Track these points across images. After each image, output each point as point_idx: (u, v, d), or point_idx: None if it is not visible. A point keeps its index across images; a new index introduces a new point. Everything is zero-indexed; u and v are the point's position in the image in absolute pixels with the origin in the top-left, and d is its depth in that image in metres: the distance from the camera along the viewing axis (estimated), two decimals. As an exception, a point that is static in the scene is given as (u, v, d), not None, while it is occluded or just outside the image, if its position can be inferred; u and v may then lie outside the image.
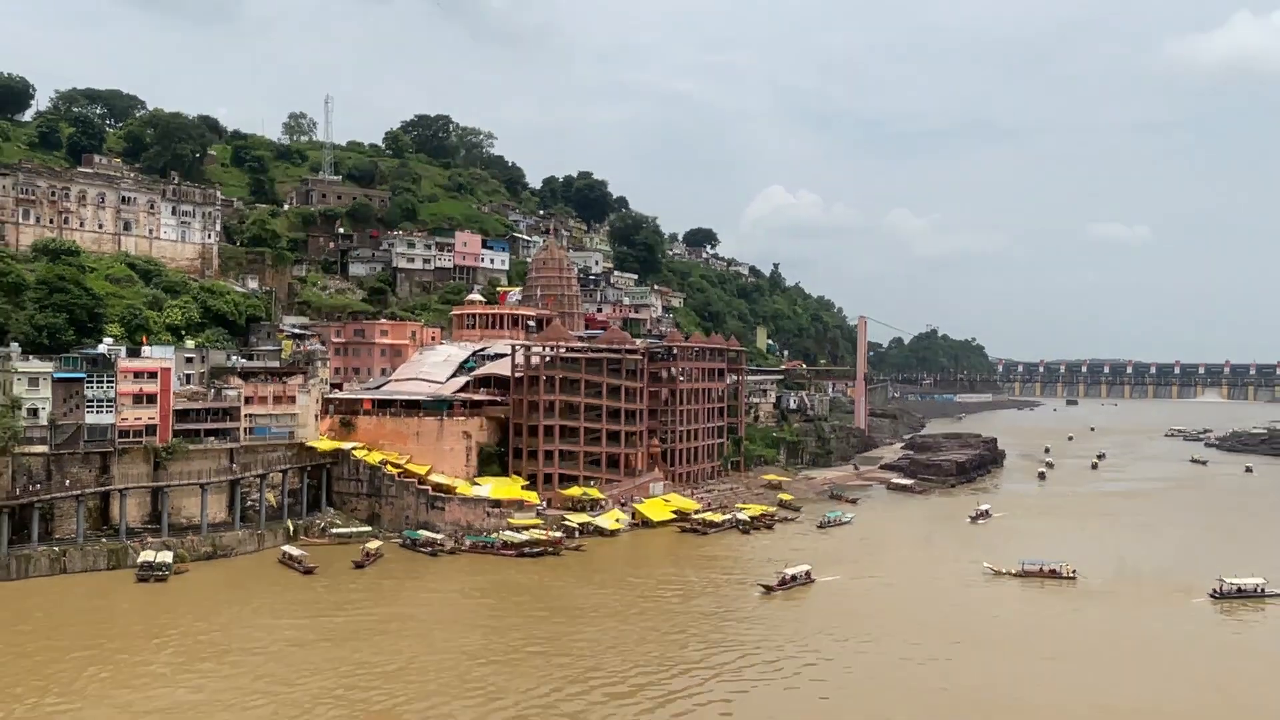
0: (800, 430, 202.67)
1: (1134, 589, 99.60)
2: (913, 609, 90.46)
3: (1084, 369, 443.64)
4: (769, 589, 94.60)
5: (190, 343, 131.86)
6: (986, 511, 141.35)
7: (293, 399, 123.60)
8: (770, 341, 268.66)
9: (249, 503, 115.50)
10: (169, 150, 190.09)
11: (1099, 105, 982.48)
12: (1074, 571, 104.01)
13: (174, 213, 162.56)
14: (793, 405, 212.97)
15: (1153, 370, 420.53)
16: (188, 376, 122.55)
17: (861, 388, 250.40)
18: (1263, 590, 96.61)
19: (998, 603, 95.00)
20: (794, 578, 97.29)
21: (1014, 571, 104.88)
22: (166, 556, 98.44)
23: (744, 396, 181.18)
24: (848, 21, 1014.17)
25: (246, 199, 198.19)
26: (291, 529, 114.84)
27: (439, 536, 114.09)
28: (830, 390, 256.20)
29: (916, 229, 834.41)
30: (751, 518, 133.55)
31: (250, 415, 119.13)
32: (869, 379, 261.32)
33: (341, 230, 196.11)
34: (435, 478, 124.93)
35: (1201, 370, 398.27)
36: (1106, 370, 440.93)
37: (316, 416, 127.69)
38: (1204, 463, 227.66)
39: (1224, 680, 71.90)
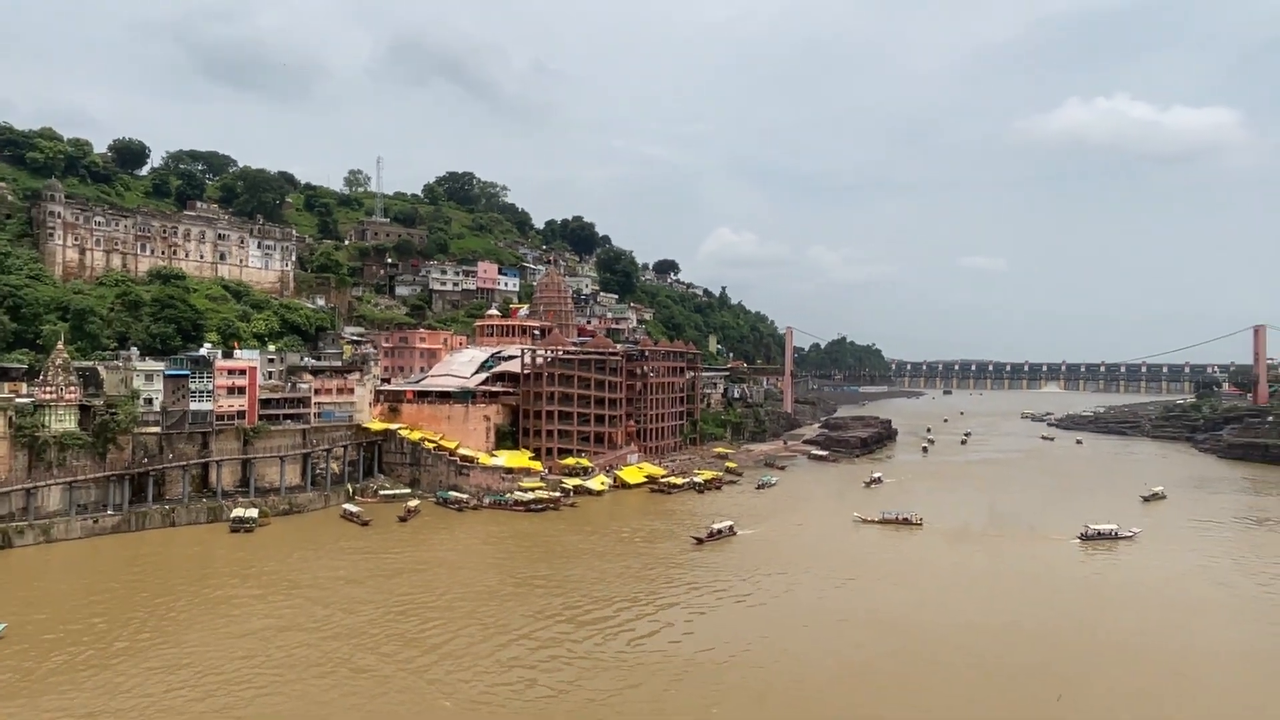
0: (742, 414, 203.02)
1: (998, 534, 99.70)
2: (815, 550, 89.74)
3: (957, 366, 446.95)
4: (700, 540, 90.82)
5: (272, 347, 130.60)
6: (879, 478, 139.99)
7: (352, 390, 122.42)
8: (719, 346, 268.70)
9: (317, 471, 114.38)
10: (255, 198, 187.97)
11: (970, 167, 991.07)
12: (920, 519, 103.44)
13: (259, 246, 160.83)
14: (736, 395, 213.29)
15: (1008, 368, 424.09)
16: (270, 373, 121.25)
17: (789, 381, 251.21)
18: (1116, 534, 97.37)
19: (879, 545, 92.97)
20: (719, 531, 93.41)
21: (875, 519, 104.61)
22: (253, 512, 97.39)
23: (699, 388, 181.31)
24: (783, 100, 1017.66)
25: (315, 236, 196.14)
26: (351, 491, 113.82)
27: (465, 496, 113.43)
28: (765, 383, 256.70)
29: (832, 261, 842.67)
30: (705, 481, 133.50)
31: (318, 403, 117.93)
32: (795, 375, 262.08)
33: (390, 260, 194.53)
34: (463, 451, 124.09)
35: (1045, 368, 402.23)
36: (974, 367, 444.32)
37: (370, 404, 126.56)
38: (1051, 439, 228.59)
39: (1072, 605, 70.85)
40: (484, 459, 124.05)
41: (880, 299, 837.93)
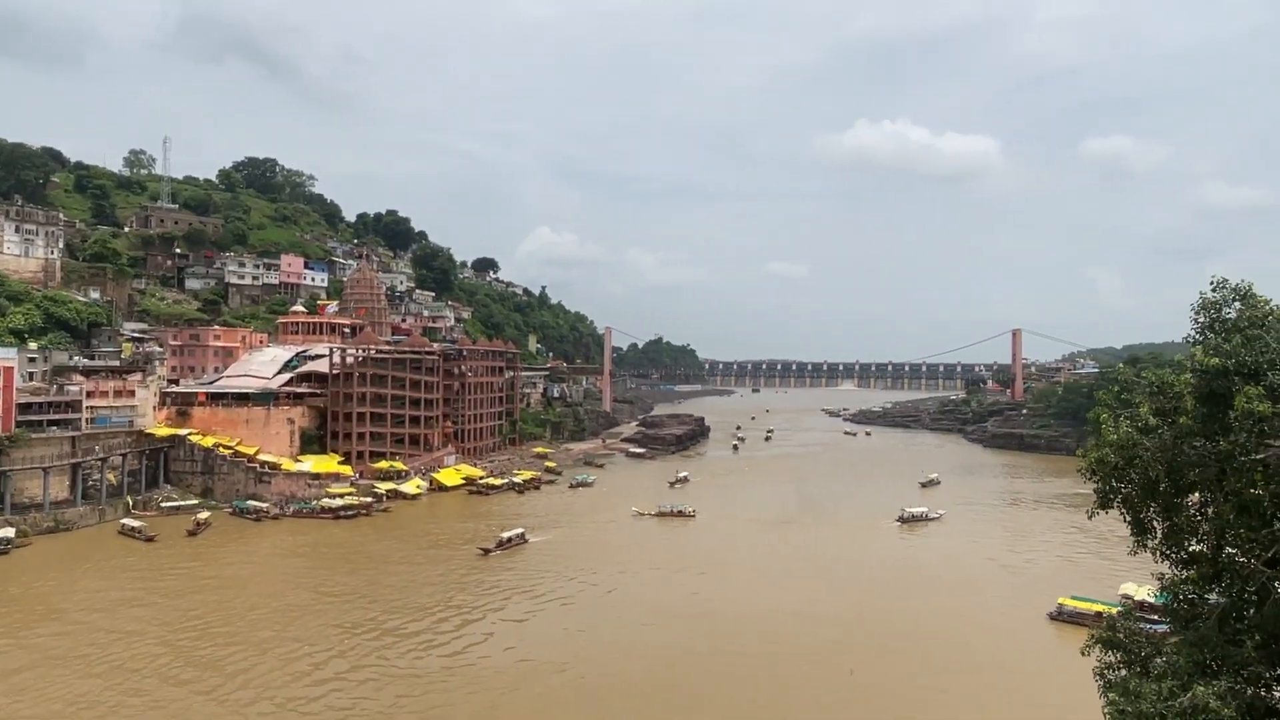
0: (562, 413, 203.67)
1: (813, 521, 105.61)
2: (612, 547, 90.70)
3: (764, 365, 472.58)
4: (486, 551, 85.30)
5: (33, 345, 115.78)
6: (685, 477, 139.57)
7: (133, 393, 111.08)
8: (539, 346, 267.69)
9: (90, 483, 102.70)
10: (13, 175, 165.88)
11: (775, 178, 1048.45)
12: (694, 511, 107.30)
13: (17, 231, 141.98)
14: (556, 394, 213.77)
15: (809, 367, 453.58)
16: (31, 374, 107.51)
17: (607, 381, 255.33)
18: (927, 515, 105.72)
19: (686, 539, 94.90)
20: (510, 539, 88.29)
21: (653, 512, 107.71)
22: (8, 532, 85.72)
23: (519, 388, 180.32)
24: (600, 104, 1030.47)
25: (89, 221, 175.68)
26: (130, 504, 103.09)
27: (265, 505, 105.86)
28: (585, 383, 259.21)
29: (649, 263, 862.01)
30: (524, 481, 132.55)
31: (92, 407, 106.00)
32: (613, 374, 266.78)
33: (179, 251, 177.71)
34: (264, 457, 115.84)
35: (841, 367, 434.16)
36: (779, 367, 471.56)
37: (155, 407, 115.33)
38: (854, 434, 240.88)
39: (872, 586, 75.52)
40: (287, 465, 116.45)
41: (694, 301, 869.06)
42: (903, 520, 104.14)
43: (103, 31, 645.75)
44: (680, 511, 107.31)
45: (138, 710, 48.03)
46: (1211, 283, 20.06)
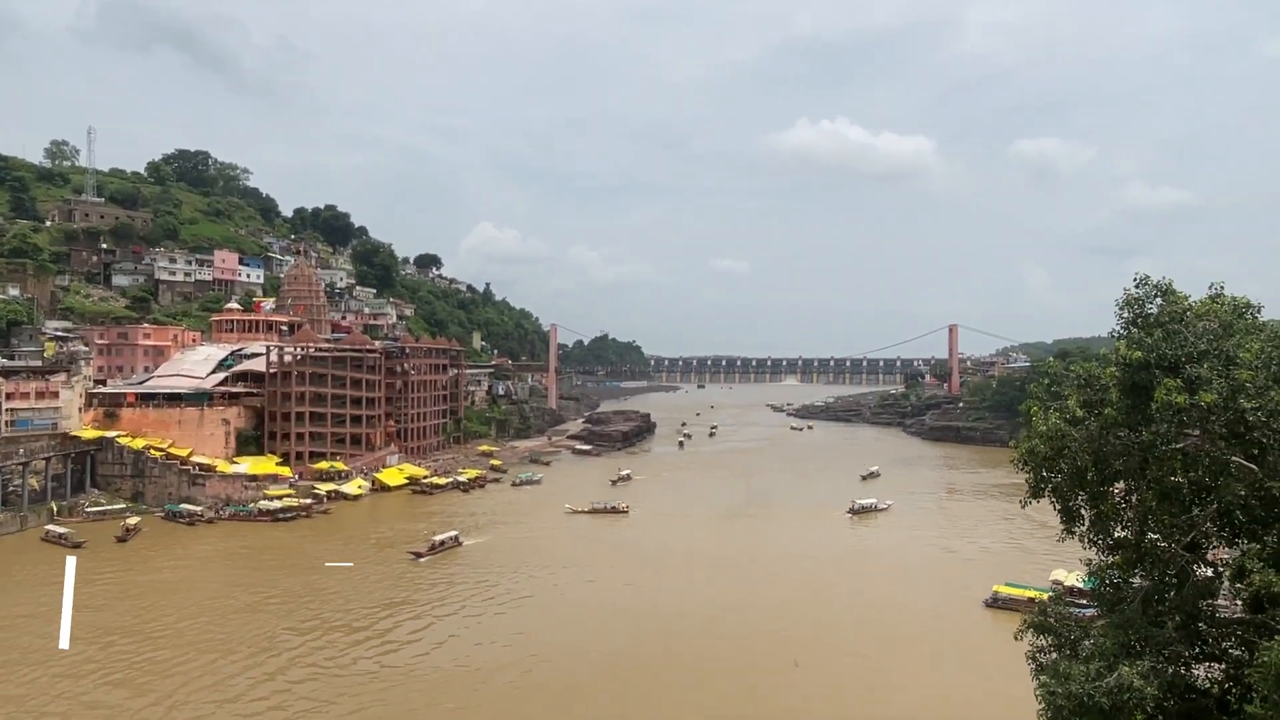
0: (507, 411, 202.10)
1: (760, 514, 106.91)
2: (549, 546, 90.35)
3: (709, 361, 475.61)
4: (418, 555, 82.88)
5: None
6: (628, 476, 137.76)
7: (56, 394, 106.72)
8: (483, 343, 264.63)
9: (11, 489, 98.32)
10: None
11: (716, 175, 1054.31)
12: (627, 507, 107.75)
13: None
14: (501, 392, 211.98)
15: (754, 363, 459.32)
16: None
17: (553, 378, 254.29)
18: (877, 506, 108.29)
19: (640, 535, 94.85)
20: (443, 543, 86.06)
21: (585, 509, 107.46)
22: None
23: (463, 386, 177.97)
24: (543, 98, 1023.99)
25: (6, 215, 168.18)
26: (55, 509, 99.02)
27: (198, 508, 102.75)
28: (530, 380, 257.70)
29: (593, 259, 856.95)
30: (469, 479, 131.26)
31: (12, 409, 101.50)
32: (559, 371, 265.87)
33: (105, 246, 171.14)
34: (197, 459, 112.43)
35: (785, 363, 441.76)
36: (724, 363, 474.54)
37: (80, 409, 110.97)
38: (800, 430, 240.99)
39: (816, 577, 76.59)
40: (223, 466, 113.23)
41: (638, 297, 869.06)
42: (854, 512, 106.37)
43: (19, 16, 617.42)
44: (614, 508, 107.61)
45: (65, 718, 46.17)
46: (1135, 280, 20.93)
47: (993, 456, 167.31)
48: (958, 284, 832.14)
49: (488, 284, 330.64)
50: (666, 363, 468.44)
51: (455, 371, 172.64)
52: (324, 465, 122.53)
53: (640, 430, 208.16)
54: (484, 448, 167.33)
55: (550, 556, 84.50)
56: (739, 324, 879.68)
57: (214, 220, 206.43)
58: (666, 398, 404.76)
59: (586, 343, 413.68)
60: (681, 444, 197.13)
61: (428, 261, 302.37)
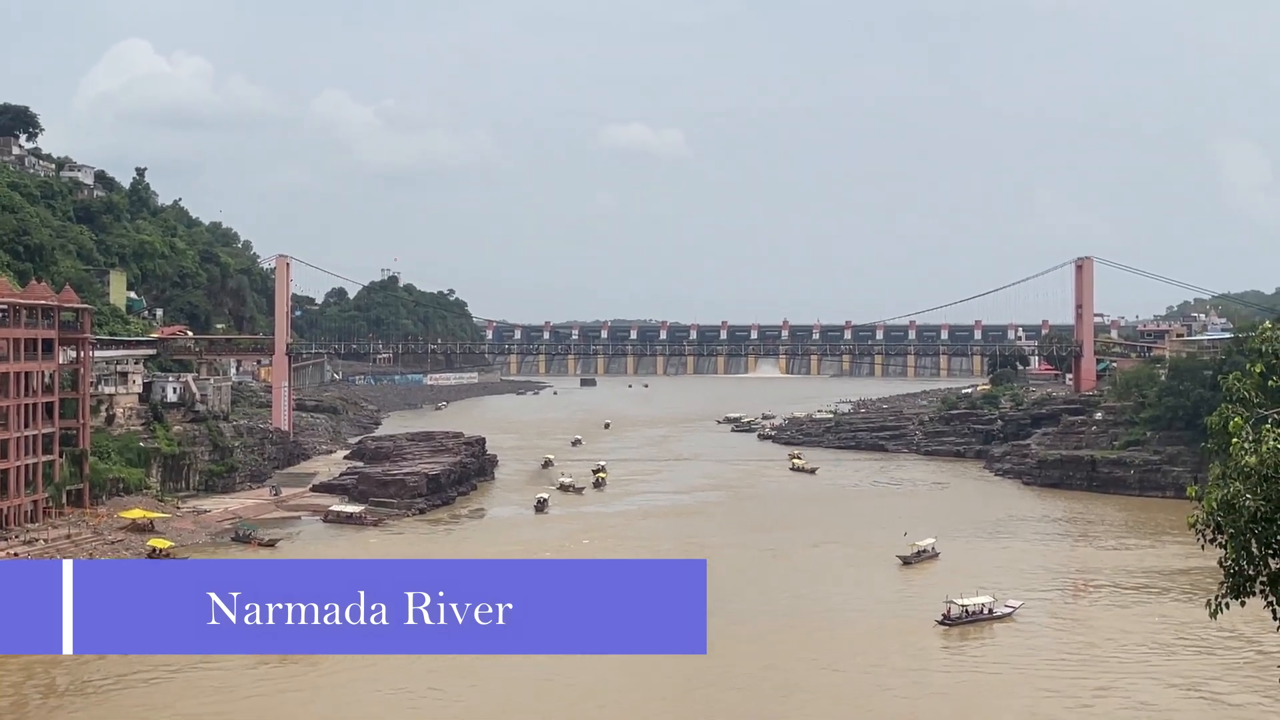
0: (186, 436, 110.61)
1: None
2: None
3: (603, 334, 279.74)
4: None
5: None
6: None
7: None
8: (133, 295, 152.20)
9: None
10: None
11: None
12: None
13: None
14: (172, 397, 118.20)
15: (692, 335, 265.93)
16: None
17: (283, 366, 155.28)
18: (990, 610, 52.50)
19: None
20: None
21: None
22: None
23: (88, 383, 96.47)
24: None
25: None
26: None
27: None
28: (235, 371, 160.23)
29: (361, 122, 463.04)
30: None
31: None
32: (295, 353, 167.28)
33: None
34: None
35: (756, 335, 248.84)
36: (633, 335, 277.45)
37: None
38: (796, 467, 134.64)
39: None
40: None
41: (458, 203, 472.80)
42: (948, 621, 62.90)
43: None
44: None
45: None
46: None
47: (1158, 514, 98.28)
48: (1094, 180, 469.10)
49: (140, 171, 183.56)
50: (518, 335, 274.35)
51: (72, 355, 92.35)
52: None
53: (465, 471, 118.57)
54: (136, 514, 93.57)
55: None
56: (665, 262, 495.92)
57: None
58: (520, 404, 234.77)
59: (354, 295, 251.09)
60: (542, 503, 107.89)
61: (6, 124, 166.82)
